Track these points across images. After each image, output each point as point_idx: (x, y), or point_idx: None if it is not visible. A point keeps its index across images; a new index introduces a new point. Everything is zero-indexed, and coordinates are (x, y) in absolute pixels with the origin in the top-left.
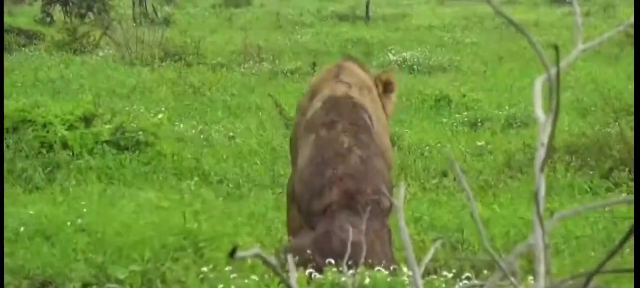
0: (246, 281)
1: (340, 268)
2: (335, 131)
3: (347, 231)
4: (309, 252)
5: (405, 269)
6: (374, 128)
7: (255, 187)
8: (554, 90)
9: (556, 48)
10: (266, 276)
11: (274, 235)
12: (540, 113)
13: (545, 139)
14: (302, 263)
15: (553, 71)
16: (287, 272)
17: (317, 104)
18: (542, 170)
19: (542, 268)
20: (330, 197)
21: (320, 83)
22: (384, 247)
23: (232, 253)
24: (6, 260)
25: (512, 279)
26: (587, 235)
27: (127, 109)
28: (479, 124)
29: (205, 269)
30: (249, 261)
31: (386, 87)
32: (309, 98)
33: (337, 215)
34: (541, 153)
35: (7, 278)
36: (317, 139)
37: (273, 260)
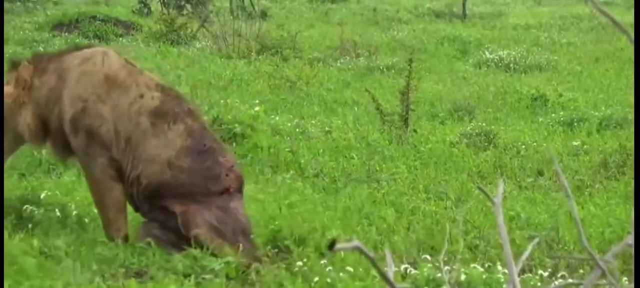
0: (341, 274)
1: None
2: None
3: None
4: None
5: (499, 267)
6: None
7: (351, 182)
8: None
9: None
10: (360, 269)
11: (366, 229)
12: None
13: None
14: None
15: None
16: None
17: None
18: None
19: None
20: None
21: None
22: None
23: (331, 246)
24: (100, 249)
25: (611, 278)
26: None
27: (223, 100)
28: (575, 124)
29: (299, 263)
30: (342, 254)
31: None
32: None
33: None
34: None
35: (101, 267)
36: None
37: (371, 253)
